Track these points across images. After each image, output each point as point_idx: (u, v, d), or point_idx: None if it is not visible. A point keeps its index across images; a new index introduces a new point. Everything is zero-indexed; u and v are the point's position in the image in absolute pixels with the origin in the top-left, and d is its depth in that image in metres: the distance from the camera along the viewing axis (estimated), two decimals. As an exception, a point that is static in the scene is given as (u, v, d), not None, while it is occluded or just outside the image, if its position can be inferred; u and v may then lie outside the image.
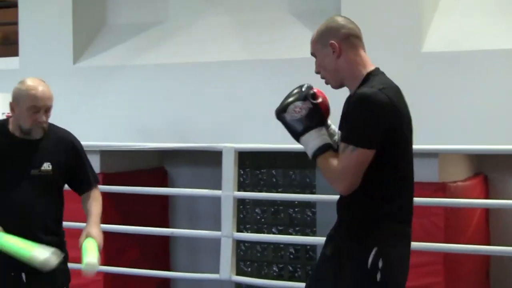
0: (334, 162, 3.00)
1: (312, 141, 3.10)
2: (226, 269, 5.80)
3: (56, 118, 7.23)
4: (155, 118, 7.06)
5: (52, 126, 3.95)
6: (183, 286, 8.08)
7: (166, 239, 8.05)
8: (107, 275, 7.11)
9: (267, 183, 7.63)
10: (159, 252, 8.03)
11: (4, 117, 6.12)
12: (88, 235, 3.75)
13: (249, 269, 7.66)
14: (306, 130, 3.11)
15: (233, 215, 5.80)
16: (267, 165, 7.56)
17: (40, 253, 3.53)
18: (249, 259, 7.68)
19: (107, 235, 7.01)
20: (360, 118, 2.95)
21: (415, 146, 3.24)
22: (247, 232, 7.54)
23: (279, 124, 6.60)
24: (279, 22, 7.07)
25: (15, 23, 7.84)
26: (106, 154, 7.27)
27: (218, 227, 5.99)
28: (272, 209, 7.63)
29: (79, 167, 3.98)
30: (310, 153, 3.13)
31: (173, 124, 6.95)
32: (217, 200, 6.08)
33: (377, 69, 3.13)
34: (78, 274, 7.04)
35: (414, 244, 3.27)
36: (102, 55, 7.40)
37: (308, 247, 7.27)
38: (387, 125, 2.96)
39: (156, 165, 8.18)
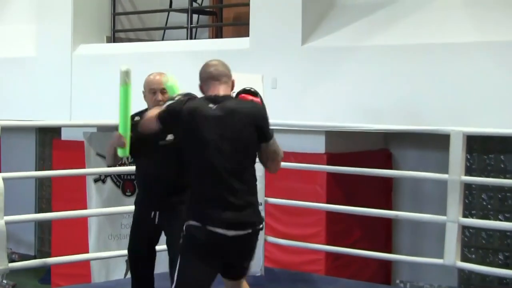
0: None
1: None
2: (451, 255, 5.66)
3: (284, 97, 7.43)
4: (382, 100, 7.01)
5: None
6: (405, 269, 8.02)
7: (389, 221, 8.01)
8: (328, 254, 7.20)
9: (495, 169, 7.39)
10: (382, 234, 8.01)
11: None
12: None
13: (473, 256, 7.46)
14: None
15: (459, 200, 5.64)
16: (496, 150, 7.31)
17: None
18: (474, 245, 7.48)
19: (330, 214, 7.18)
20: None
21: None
22: (472, 218, 7.34)
23: (510, 108, 6.39)
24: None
25: (247, 4, 8.06)
26: (331, 135, 7.34)
27: (442, 212, 5.86)
28: (500, 196, 7.39)
29: None
30: None
31: (400, 106, 6.88)
32: (442, 184, 5.95)
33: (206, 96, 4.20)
34: (300, 252, 7.21)
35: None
36: (331, 36, 7.43)
37: (538, 236, 6.97)
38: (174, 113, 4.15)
39: (380, 147, 8.15)
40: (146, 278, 5.02)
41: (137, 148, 4.83)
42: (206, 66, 4.27)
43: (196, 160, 4.08)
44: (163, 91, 4.86)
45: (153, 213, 4.86)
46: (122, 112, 4.71)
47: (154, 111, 4.32)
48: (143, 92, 4.97)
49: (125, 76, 4.64)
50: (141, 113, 4.88)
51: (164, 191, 4.80)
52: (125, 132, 4.68)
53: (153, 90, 4.90)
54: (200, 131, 4.05)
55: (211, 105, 4.10)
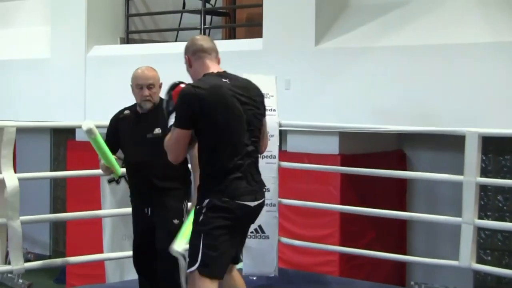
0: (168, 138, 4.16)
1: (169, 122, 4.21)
2: (466, 257, 5.63)
3: (297, 98, 7.41)
4: (396, 101, 6.99)
5: None
6: (419, 271, 7.99)
7: (403, 222, 7.98)
8: (342, 255, 7.19)
9: (511, 170, 7.34)
10: (396, 236, 7.98)
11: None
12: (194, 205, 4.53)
13: (489, 258, 7.42)
14: (168, 115, 4.24)
15: (475, 202, 5.61)
16: (511, 151, 7.27)
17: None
18: (489, 247, 7.44)
19: (344, 216, 7.16)
20: (176, 105, 4.14)
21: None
22: (487, 220, 7.30)
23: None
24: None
25: (260, 5, 8.05)
26: (345, 136, 7.32)
27: (457, 213, 5.84)
28: (515, 197, 7.35)
29: None
30: None
31: (414, 107, 6.85)
32: (457, 185, 5.92)
33: (210, 73, 4.21)
34: (314, 253, 7.19)
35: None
36: (344, 37, 7.40)
37: (554, 238, 6.93)
38: (192, 111, 4.04)
39: (394, 148, 8.12)
40: (151, 273, 5.09)
41: (126, 142, 5.04)
42: (194, 40, 4.33)
43: (222, 136, 4.09)
44: (150, 86, 4.95)
45: (146, 209, 5.02)
46: (101, 154, 4.94)
47: (171, 139, 4.16)
48: (131, 86, 5.04)
49: (89, 134, 4.83)
50: (130, 108, 5.11)
51: (154, 184, 4.91)
52: (110, 163, 4.93)
53: (140, 86, 4.97)
54: (228, 108, 4.10)
55: (225, 80, 4.18)
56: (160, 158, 4.68)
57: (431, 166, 7.49)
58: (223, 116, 4.08)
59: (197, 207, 4.11)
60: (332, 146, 7.40)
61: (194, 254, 4.04)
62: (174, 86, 4.29)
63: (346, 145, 7.44)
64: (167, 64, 8.69)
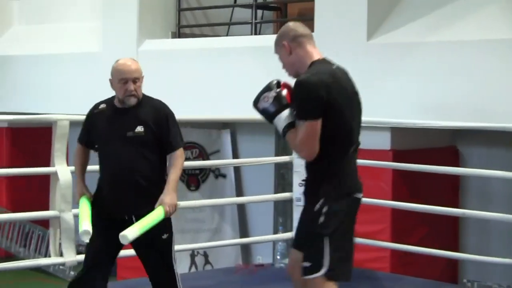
0: (295, 135, 3.86)
1: (281, 122, 3.92)
2: (520, 255, 5.56)
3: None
4: (449, 96, 6.90)
5: (148, 97, 4.63)
6: (472, 268, 7.89)
7: (455, 219, 7.89)
8: (394, 251, 7.12)
9: None
10: (448, 232, 7.89)
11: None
12: (160, 203, 4.39)
13: (543, 257, 7.29)
14: (275, 113, 3.94)
15: (530, 199, 5.54)
16: None
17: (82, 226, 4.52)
18: (544, 245, 7.30)
19: (395, 212, 7.09)
20: (299, 97, 3.86)
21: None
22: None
23: None
24: None
25: (312, 0, 8.01)
26: (397, 131, 7.25)
27: (511, 210, 5.76)
28: None
29: (164, 132, 4.54)
30: (280, 132, 3.96)
31: (468, 102, 6.76)
32: (511, 182, 5.84)
33: (319, 59, 4.01)
34: (364, 249, 7.15)
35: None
36: (397, 32, 7.33)
37: None
38: (322, 98, 3.81)
39: (447, 144, 8.03)
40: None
41: (101, 141, 4.60)
42: (290, 26, 4.10)
43: (342, 126, 3.92)
44: (135, 80, 4.51)
45: (126, 216, 4.49)
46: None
47: (297, 133, 3.87)
48: (110, 80, 4.61)
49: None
50: (106, 102, 4.69)
51: (138, 189, 4.48)
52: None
53: (124, 80, 4.51)
54: (348, 95, 3.99)
55: (334, 68, 4.03)
56: (143, 159, 4.47)
57: (485, 163, 7.38)
58: (345, 103, 3.92)
59: (312, 207, 3.90)
60: (384, 142, 7.35)
61: (318, 259, 3.83)
62: (278, 83, 4.02)
63: (398, 140, 7.37)
64: (218, 58, 8.74)
